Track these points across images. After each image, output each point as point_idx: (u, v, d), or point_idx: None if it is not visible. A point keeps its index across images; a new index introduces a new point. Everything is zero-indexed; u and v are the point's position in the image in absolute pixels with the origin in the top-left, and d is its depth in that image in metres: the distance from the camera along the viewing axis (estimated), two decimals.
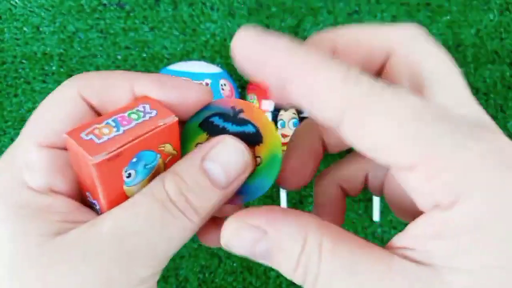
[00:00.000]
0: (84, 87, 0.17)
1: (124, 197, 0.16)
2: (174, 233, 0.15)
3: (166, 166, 0.17)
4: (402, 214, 0.19)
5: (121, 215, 0.15)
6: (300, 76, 0.14)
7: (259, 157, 0.17)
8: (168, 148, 0.17)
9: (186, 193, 0.15)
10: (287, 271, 0.15)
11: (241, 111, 0.18)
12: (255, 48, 0.14)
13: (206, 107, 0.18)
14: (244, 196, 0.18)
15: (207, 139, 0.17)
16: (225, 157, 0.16)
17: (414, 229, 0.14)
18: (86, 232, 0.15)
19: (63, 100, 0.16)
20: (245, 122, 0.18)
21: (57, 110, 0.16)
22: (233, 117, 0.18)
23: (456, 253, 0.13)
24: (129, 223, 0.15)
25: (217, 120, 0.18)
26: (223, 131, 0.18)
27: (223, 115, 0.18)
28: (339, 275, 0.14)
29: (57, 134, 0.16)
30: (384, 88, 0.13)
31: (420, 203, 0.14)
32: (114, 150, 0.16)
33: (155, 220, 0.15)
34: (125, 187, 0.17)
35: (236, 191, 0.17)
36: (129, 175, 0.17)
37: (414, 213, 0.14)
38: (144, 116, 0.17)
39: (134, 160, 0.16)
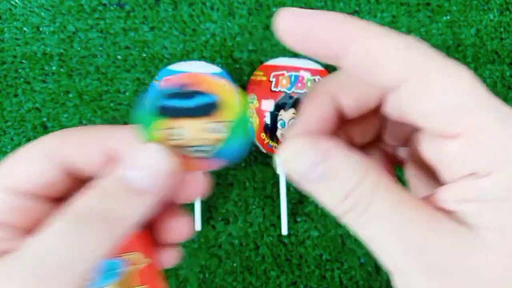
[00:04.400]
0: (54, 147, 0.17)
1: None
2: (88, 247, 0.15)
3: (141, 273, 0.18)
4: (423, 183, 0.20)
5: (40, 237, 0.15)
6: (360, 41, 0.14)
7: (224, 121, 0.18)
8: (136, 256, 0.18)
9: (104, 203, 0.15)
10: (334, 199, 0.15)
11: (187, 85, 0.18)
12: (303, 21, 0.14)
13: (156, 91, 0.18)
14: (222, 161, 0.18)
15: (169, 124, 0.17)
16: (145, 163, 0.16)
17: (444, 193, 0.15)
18: (10, 260, 0.15)
19: (31, 158, 0.17)
20: (199, 93, 0.17)
21: (21, 167, 0.17)
22: (185, 93, 0.17)
23: (487, 213, 0.14)
24: (44, 244, 0.15)
25: (171, 102, 0.18)
26: (180, 110, 0.17)
27: (176, 94, 0.18)
28: (388, 212, 0.14)
29: (15, 187, 0.17)
30: (444, 58, 0.14)
31: (452, 171, 0.15)
32: None
33: (69, 236, 0.15)
34: None
35: (211, 157, 0.18)
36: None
37: (432, 185, 0.16)
38: None
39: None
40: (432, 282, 0.14)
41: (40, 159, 0.17)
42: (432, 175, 0.18)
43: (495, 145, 0.14)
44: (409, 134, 0.19)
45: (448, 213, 0.15)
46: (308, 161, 0.15)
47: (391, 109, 0.17)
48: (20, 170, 0.17)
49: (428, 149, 0.16)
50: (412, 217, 0.14)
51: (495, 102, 0.14)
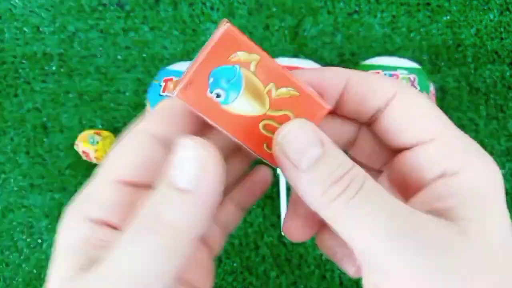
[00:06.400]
0: (155, 128, 0.17)
1: (233, 116, 0.17)
2: (146, 253, 0.14)
3: (258, 72, 0.17)
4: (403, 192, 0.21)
5: (114, 257, 0.15)
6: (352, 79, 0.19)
7: None
8: (243, 56, 0.16)
9: (156, 208, 0.15)
10: (322, 186, 0.15)
11: None
12: None
13: None
14: None
15: None
16: (180, 161, 0.15)
17: (418, 199, 0.17)
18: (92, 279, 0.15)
19: (137, 142, 0.17)
20: None
21: (129, 152, 0.17)
22: None
23: (459, 207, 0.16)
24: (117, 264, 0.15)
25: None
26: None
27: None
28: (382, 196, 0.15)
29: (128, 174, 0.17)
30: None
31: (424, 175, 0.17)
32: (182, 80, 0.16)
33: (136, 244, 0.14)
34: (225, 107, 0.17)
35: None
36: (218, 95, 0.17)
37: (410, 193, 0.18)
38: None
39: (211, 80, 0.16)
40: (417, 263, 0.14)
41: (145, 145, 0.17)
42: (402, 192, 0.19)
43: (458, 149, 0.16)
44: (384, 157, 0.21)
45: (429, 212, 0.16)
46: (307, 140, 0.16)
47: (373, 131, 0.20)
48: (128, 157, 0.17)
49: (402, 163, 0.18)
50: (398, 204, 0.15)
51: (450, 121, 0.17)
